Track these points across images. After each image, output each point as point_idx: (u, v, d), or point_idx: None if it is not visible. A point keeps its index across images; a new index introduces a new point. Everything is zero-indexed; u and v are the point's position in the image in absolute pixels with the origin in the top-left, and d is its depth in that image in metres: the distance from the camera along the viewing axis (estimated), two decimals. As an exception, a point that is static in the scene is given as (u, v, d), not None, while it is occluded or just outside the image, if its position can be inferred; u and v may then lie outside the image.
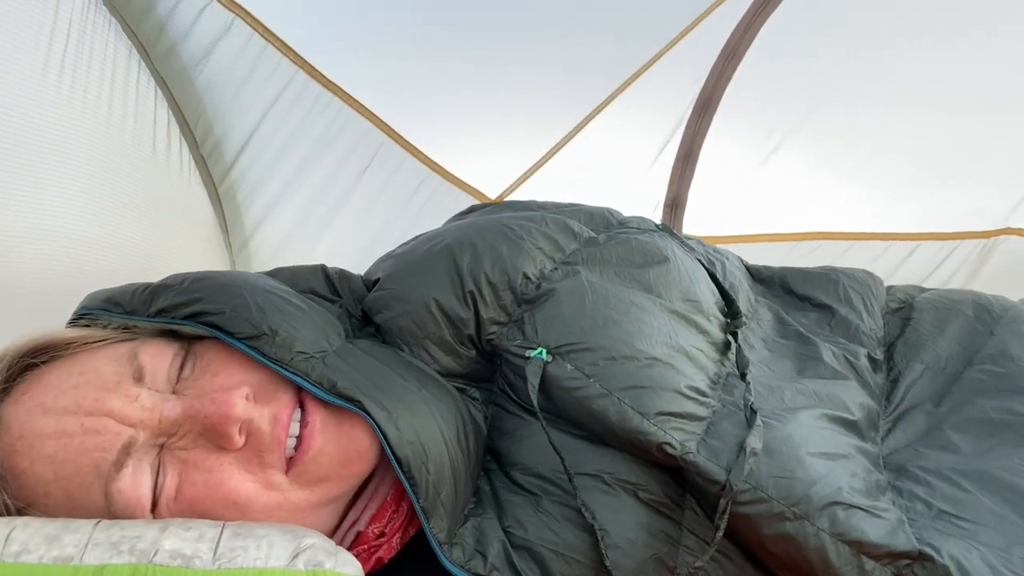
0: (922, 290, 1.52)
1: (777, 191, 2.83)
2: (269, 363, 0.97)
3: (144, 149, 1.80)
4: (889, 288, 1.51)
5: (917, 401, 1.28)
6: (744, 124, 2.66)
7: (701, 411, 1.04)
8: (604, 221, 1.38)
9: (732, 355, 1.18)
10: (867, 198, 2.92)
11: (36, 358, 0.95)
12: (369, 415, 0.94)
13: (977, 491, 1.06)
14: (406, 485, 0.94)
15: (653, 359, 1.06)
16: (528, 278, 1.17)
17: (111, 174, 1.67)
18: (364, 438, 0.96)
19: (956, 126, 2.63)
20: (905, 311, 1.45)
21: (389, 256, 1.31)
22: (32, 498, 0.89)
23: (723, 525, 0.93)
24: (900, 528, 0.97)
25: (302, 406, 0.97)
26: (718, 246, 1.47)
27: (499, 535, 0.96)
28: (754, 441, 0.97)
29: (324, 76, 2.01)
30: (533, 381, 1.04)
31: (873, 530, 0.94)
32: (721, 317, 1.25)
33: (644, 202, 2.80)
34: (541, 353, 1.07)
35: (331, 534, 1.00)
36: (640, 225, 1.39)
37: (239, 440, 0.91)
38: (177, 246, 1.92)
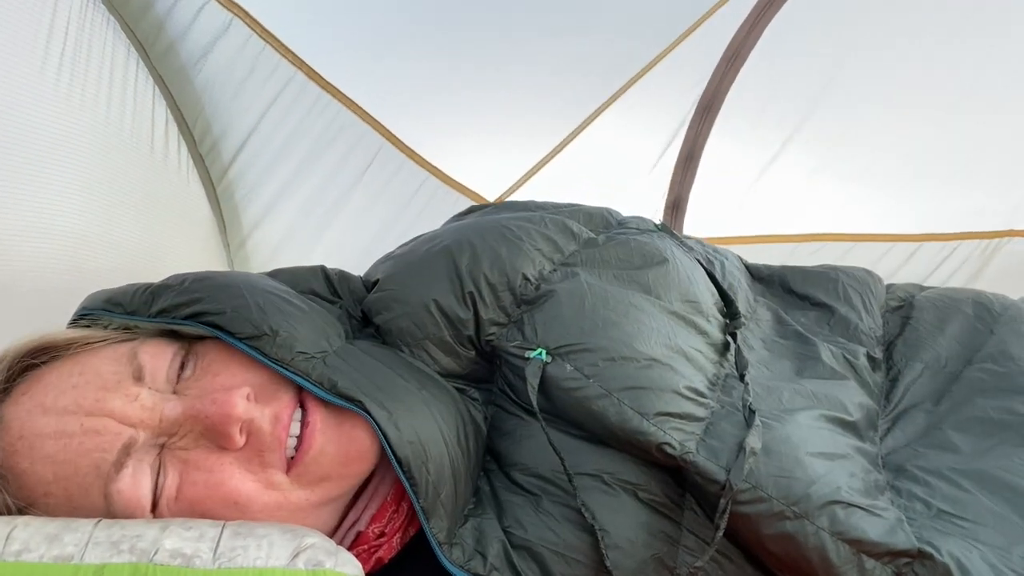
0: (922, 288, 1.52)
1: (779, 192, 2.82)
2: (270, 363, 0.97)
3: (142, 148, 1.80)
4: (889, 286, 1.51)
5: (917, 400, 1.28)
6: (745, 125, 2.66)
7: (700, 412, 1.04)
8: (603, 222, 1.39)
9: (731, 356, 1.18)
10: (869, 199, 2.91)
11: (36, 358, 0.96)
12: (370, 415, 0.94)
13: (977, 491, 1.07)
14: (406, 485, 0.94)
15: (652, 360, 1.07)
16: (527, 279, 1.18)
17: (109, 172, 1.67)
18: (364, 438, 0.97)
19: (958, 126, 2.62)
20: (905, 309, 1.45)
21: (388, 257, 1.31)
22: (32, 498, 0.90)
23: (723, 525, 0.94)
24: (899, 527, 0.97)
25: (303, 406, 0.97)
26: (717, 246, 1.47)
27: (499, 535, 0.96)
28: (753, 441, 0.98)
29: (322, 77, 2.00)
30: (533, 382, 1.04)
31: (872, 529, 0.95)
32: (720, 318, 1.25)
33: (646, 204, 2.79)
34: (540, 354, 1.07)
35: (331, 534, 1.00)
36: (639, 226, 1.39)
37: (240, 440, 0.91)
38: (175, 245, 1.91)
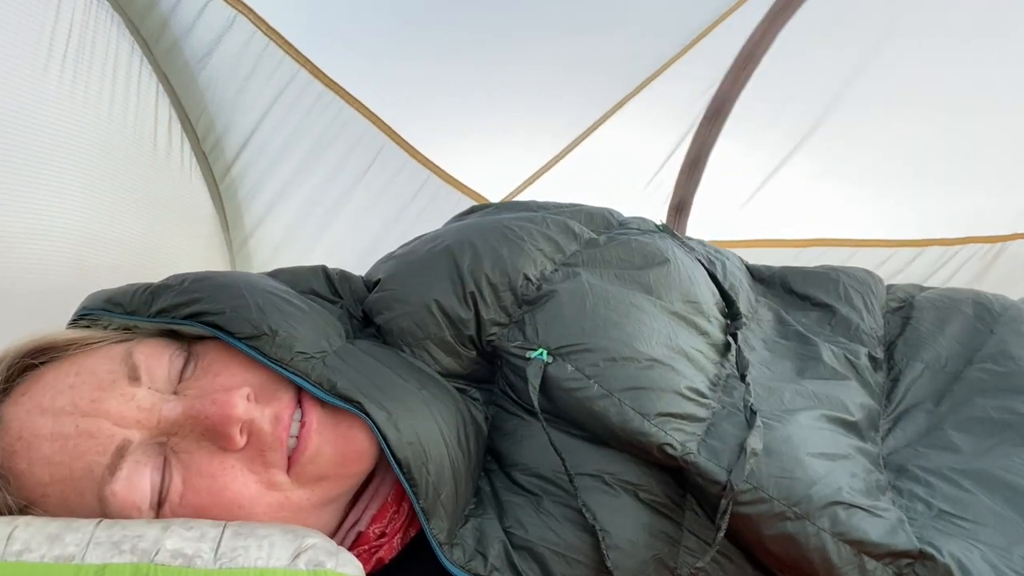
0: (922, 289, 1.52)
1: (783, 196, 2.80)
2: (269, 363, 0.96)
3: (145, 145, 1.79)
4: (889, 287, 1.50)
5: (917, 400, 1.28)
6: (752, 129, 2.64)
7: (701, 412, 1.03)
8: (604, 222, 1.38)
9: (732, 356, 1.17)
10: (872, 203, 2.89)
11: (36, 358, 0.95)
12: (369, 416, 0.94)
13: (977, 491, 1.06)
14: (406, 486, 0.93)
15: (653, 360, 1.06)
16: (529, 279, 1.17)
17: (112, 170, 1.66)
18: (362, 439, 0.96)
19: (961, 130, 2.61)
20: (905, 310, 1.44)
21: (390, 257, 1.30)
22: (32, 498, 0.89)
23: (724, 525, 0.93)
24: (900, 527, 0.96)
25: (300, 406, 0.97)
26: (719, 247, 1.47)
27: (500, 535, 0.96)
28: (754, 441, 0.97)
29: (326, 75, 1.99)
30: (534, 382, 1.03)
31: (874, 529, 0.94)
32: (721, 318, 1.24)
33: (650, 207, 2.77)
34: (542, 354, 1.06)
35: (332, 534, 1.00)
36: (640, 226, 1.38)
37: (240, 440, 0.91)
38: (177, 243, 1.91)
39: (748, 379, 1.09)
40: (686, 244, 1.37)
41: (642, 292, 1.19)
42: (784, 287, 1.48)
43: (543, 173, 2.57)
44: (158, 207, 1.84)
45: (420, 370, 1.09)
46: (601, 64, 2.31)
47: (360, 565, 0.88)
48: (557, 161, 2.55)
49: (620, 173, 2.73)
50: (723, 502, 0.94)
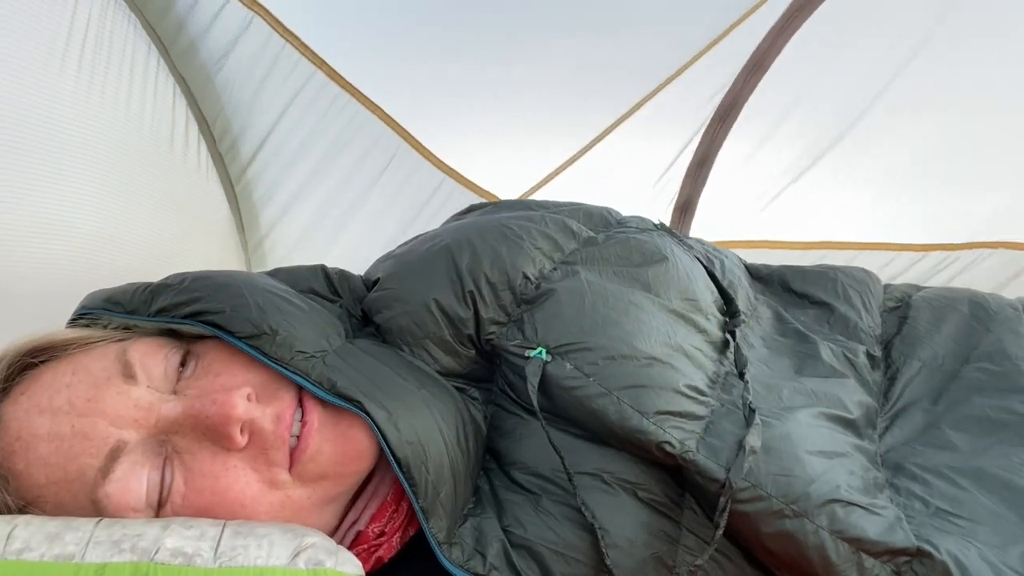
0: (919, 288, 1.50)
1: (787, 199, 2.78)
2: (269, 362, 0.95)
3: (162, 146, 1.77)
4: (886, 287, 1.48)
5: (915, 398, 1.26)
6: (759, 132, 2.62)
7: (700, 410, 1.01)
8: (603, 220, 1.36)
9: (731, 354, 1.15)
10: (875, 206, 2.87)
11: (35, 357, 0.94)
12: (368, 415, 0.92)
13: (975, 489, 1.05)
14: (405, 485, 0.91)
15: (652, 358, 1.04)
16: (527, 278, 1.15)
17: (128, 171, 1.64)
18: (362, 438, 0.94)
19: (970, 133, 2.58)
20: (902, 309, 1.42)
21: (388, 256, 1.29)
22: (29, 499, 0.88)
23: (723, 523, 0.91)
24: (898, 525, 0.95)
25: (301, 405, 0.95)
26: (717, 246, 1.45)
27: (498, 534, 0.94)
28: (753, 439, 0.95)
29: (342, 77, 1.97)
30: (533, 381, 1.01)
31: (872, 527, 0.92)
32: (720, 316, 1.22)
33: (658, 207, 2.76)
34: (541, 353, 1.04)
35: (332, 534, 0.98)
36: (639, 224, 1.36)
37: (241, 440, 0.89)
38: (193, 244, 1.89)
39: (747, 377, 1.07)
40: (684, 242, 1.35)
41: (641, 290, 1.17)
42: (783, 285, 1.46)
43: (558, 174, 2.54)
44: (174, 209, 1.82)
45: (419, 369, 1.08)
46: (617, 68, 2.28)
47: (359, 564, 0.86)
48: (572, 162, 2.52)
49: (630, 174, 2.71)
50: (722, 500, 0.92)
